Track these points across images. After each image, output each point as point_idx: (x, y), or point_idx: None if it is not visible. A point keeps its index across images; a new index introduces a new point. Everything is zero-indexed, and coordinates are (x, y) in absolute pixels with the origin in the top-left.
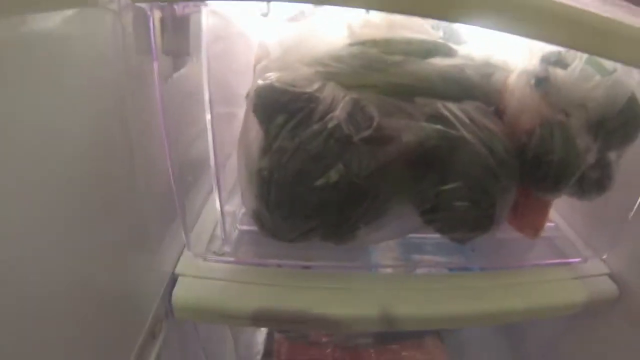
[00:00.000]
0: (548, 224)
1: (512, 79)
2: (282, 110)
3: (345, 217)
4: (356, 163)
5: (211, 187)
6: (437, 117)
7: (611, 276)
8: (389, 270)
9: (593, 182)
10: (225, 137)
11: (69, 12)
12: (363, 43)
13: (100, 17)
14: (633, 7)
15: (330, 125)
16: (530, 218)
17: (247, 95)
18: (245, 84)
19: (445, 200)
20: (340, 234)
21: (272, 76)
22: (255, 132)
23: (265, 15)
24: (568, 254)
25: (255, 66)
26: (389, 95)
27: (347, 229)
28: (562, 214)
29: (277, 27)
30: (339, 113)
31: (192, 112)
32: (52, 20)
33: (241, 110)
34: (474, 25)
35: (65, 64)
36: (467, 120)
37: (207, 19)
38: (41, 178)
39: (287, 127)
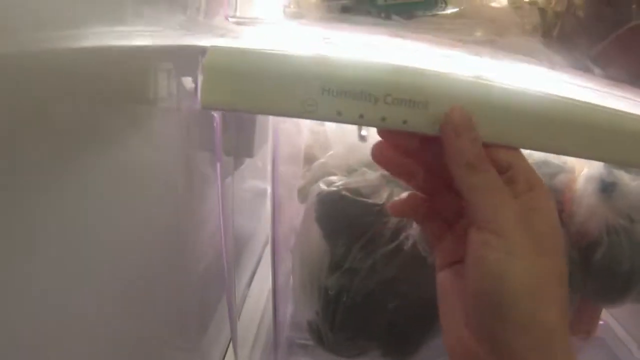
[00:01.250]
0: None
1: (579, 184)
2: (350, 224)
3: (414, 337)
4: (432, 284)
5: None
6: None
7: None
8: None
9: None
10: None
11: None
12: None
13: (161, 115)
14: None
15: (405, 245)
16: (583, 322)
17: (301, 190)
18: (292, 169)
19: None
20: (404, 352)
21: (338, 182)
22: (317, 242)
23: (364, 140)
24: (621, 357)
25: (305, 153)
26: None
27: (412, 348)
28: (611, 311)
29: None
30: (414, 231)
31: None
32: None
33: (287, 192)
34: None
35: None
36: None
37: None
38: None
39: (358, 244)
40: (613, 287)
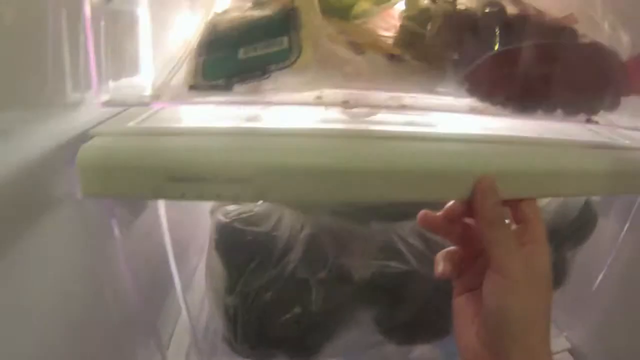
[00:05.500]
0: None
1: None
2: (242, 252)
3: (309, 343)
4: (314, 301)
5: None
6: (391, 251)
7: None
8: None
9: None
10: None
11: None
12: None
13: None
14: None
15: (287, 269)
16: None
17: (212, 212)
18: None
19: (403, 321)
20: (305, 354)
21: (232, 213)
22: (218, 267)
23: None
24: None
25: None
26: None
27: (310, 351)
28: None
29: None
30: (295, 255)
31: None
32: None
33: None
34: None
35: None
36: (421, 247)
37: None
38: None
39: (248, 269)
40: None
